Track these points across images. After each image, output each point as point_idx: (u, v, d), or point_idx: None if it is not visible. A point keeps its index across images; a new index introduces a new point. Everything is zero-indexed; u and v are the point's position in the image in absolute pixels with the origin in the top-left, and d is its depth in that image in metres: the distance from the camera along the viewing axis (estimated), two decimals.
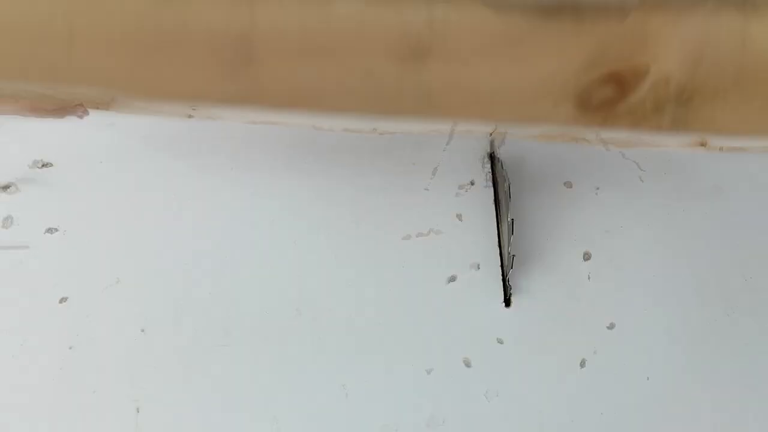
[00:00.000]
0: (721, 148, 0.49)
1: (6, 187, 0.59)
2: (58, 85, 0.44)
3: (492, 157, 0.61)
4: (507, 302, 0.58)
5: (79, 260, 0.57)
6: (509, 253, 0.57)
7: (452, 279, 0.59)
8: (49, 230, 0.58)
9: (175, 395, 0.54)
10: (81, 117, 0.48)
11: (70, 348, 0.55)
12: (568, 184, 0.62)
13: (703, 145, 0.47)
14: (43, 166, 0.60)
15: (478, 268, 0.59)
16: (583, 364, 0.57)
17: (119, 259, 0.57)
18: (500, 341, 0.58)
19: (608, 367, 0.57)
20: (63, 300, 0.56)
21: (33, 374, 0.54)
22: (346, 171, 0.61)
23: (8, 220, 0.58)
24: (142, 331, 0.56)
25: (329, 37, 0.42)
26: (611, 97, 0.44)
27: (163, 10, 0.41)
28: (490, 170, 0.61)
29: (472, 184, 0.61)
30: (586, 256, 0.60)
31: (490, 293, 0.58)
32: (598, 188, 0.61)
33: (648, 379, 0.57)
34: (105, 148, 0.60)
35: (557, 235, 0.60)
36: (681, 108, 0.44)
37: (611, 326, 0.58)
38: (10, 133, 0.60)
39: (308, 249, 0.58)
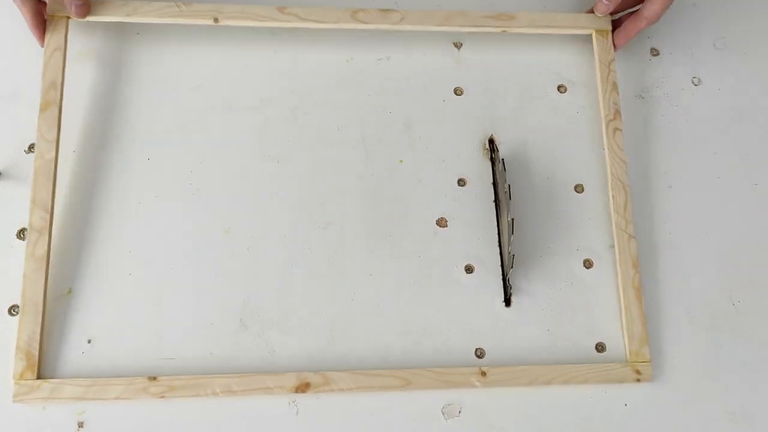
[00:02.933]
0: None
1: None
2: None
3: (492, 158, 0.60)
4: (507, 302, 0.56)
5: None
6: (509, 253, 0.55)
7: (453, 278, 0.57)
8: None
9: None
10: None
11: None
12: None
13: None
14: None
15: (476, 268, 0.57)
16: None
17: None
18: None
19: None
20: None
21: None
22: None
23: None
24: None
25: None
26: None
27: None
28: (491, 170, 0.60)
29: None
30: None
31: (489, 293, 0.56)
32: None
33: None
34: None
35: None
36: None
37: None
38: None
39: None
